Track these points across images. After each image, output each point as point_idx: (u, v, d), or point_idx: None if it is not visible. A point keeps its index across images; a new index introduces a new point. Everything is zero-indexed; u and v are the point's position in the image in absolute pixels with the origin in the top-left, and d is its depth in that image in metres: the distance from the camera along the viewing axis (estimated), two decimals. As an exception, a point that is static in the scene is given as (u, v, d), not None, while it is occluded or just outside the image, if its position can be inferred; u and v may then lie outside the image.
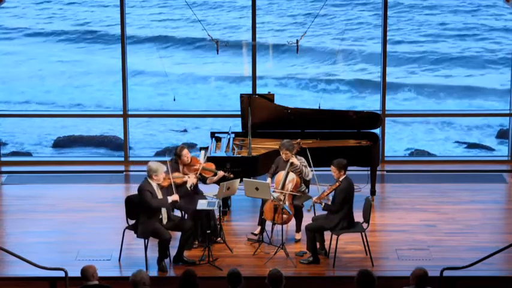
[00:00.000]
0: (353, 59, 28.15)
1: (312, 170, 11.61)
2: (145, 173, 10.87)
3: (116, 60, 26.37)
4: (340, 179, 10.93)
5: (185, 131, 23.23)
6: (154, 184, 10.78)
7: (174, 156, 11.76)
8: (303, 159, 11.78)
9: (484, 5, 32.38)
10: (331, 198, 10.97)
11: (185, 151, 11.64)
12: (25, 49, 30.36)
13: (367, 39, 29.14)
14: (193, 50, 29.75)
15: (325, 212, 11.10)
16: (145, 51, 28.41)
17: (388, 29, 15.03)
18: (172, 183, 11.00)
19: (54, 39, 31.30)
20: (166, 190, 10.96)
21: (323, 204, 10.93)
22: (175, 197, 10.88)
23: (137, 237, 10.82)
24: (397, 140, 22.02)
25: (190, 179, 11.41)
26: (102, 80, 26.89)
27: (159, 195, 10.79)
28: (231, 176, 11.79)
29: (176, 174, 11.41)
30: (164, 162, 11.05)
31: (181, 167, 11.68)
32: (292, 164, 11.55)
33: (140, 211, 10.77)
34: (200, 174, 11.62)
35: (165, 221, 10.85)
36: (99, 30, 31.50)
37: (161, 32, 30.62)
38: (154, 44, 29.04)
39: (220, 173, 11.78)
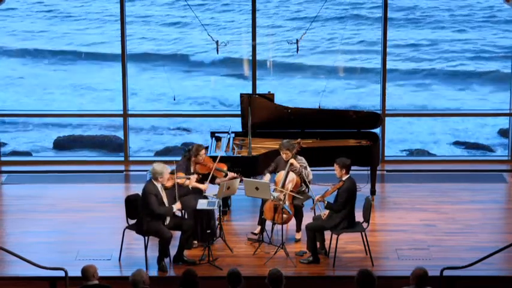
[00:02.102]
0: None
1: None
2: (145, 173, 10.89)
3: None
4: (344, 179, 10.94)
5: (185, 130, 23.23)
6: (159, 185, 10.78)
7: (187, 153, 11.77)
8: (303, 160, 11.78)
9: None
10: (326, 201, 10.99)
11: (203, 151, 11.68)
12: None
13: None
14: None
15: (325, 212, 11.10)
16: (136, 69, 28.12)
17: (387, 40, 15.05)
18: (176, 184, 11.01)
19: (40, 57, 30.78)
20: (170, 191, 10.97)
21: (326, 202, 10.93)
22: (178, 205, 10.89)
23: (142, 234, 10.81)
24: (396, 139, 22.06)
25: (192, 180, 11.41)
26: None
27: (164, 197, 10.81)
28: (241, 177, 11.79)
29: (179, 174, 11.41)
30: (171, 162, 11.07)
31: (193, 165, 11.69)
32: (291, 165, 11.54)
33: (144, 211, 10.75)
34: (212, 174, 11.63)
35: (167, 221, 10.86)
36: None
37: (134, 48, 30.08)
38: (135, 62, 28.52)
39: (231, 174, 11.76)
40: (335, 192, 11.00)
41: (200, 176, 11.67)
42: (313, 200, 11.40)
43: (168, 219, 10.85)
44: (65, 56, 29.82)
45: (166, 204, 10.83)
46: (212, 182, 11.84)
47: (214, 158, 12.07)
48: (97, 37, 31.14)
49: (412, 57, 29.01)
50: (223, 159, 12.20)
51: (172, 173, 11.05)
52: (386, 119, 15.19)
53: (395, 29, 30.12)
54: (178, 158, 12.03)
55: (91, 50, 30.07)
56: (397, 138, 22.01)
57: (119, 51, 15.20)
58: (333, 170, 11.09)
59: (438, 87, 26.65)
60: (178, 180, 11.24)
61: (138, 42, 30.49)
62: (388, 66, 15.08)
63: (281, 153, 11.71)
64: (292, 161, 11.54)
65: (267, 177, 11.73)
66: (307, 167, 11.73)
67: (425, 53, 29.37)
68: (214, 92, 26.53)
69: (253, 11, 15.00)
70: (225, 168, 11.90)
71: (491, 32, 31.18)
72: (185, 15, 32.17)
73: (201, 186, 11.54)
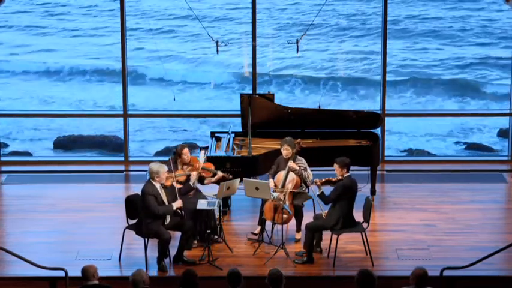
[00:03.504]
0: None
1: None
2: (145, 173, 10.87)
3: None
4: (344, 176, 10.94)
5: (185, 130, 23.25)
6: (157, 185, 10.77)
7: (173, 155, 11.77)
8: (303, 160, 11.77)
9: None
10: (321, 189, 11.01)
11: (185, 150, 11.64)
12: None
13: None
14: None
15: (325, 211, 11.10)
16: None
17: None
18: (175, 182, 11.00)
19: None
20: (170, 190, 10.97)
21: (320, 190, 10.93)
22: (179, 203, 10.87)
23: (142, 236, 10.81)
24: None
25: (194, 176, 11.42)
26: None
27: (164, 196, 10.80)
28: (230, 176, 11.79)
29: (179, 172, 11.42)
30: (164, 162, 11.07)
31: (180, 166, 11.69)
32: (291, 168, 11.51)
33: (144, 213, 10.75)
34: (199, 174, 11.63)
35: (168, 221, 10.85)
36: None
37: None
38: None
39: (220, 174, 11.78)
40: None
41: (201, 173, 11.66)
42: (313, 199, 11.41)
43: (168, 218, 10.85)
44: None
45: (167, 204, 10.83)
46: (201, 182, 11.83)
47: (214, 159, 12.08)
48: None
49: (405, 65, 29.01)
50: (223, 160, 12.21)
51: (170, 171, 11.05)
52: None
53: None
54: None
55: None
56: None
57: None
58: (333, 170, 11.08)
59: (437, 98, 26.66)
60: (178, 178, 11.24)
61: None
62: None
63: (282, 149, 11.70)
64: (292, 164, 11.51)
65: (272, 182, 11.68)
66: (307, 168, 11.71)
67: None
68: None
69: (253, 11, 15.00)
70: (212, 167, 11.88)
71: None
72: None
73: (177, 204, 10.89)
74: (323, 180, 11.02)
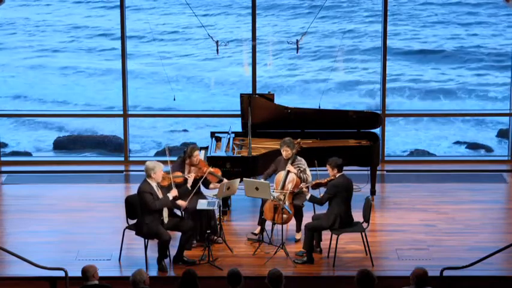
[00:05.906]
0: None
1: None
2: (145, 173, 10.86)
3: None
4: (336, 176, 10.95)
5: (185, 130, 23.25)
6: (154, 184, 10.77)
7: (182, 154, 11.75)
8: (303, 161, 11.76)
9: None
10: (309, 193, 11.00)
11: (196, 152, 11.63)
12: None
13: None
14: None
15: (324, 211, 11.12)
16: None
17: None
18: (172, 183, 11.00)
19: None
20: (166, 189, 10.96)
21: (309, 195, 10.95)
22: (174, 192, 10.86)
23: (142, 236, 10.80)
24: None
25: (191, 178, 11.40)
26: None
27: (160, 195, 10.79)
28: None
29: (176, 173, 11.40)
30: (167, 162, 11.07)
31: (187, 167, 11.66)
32: (290, 172, 11.51)
33: (143, 212, 10.76)
34: (205, 178, 11.59)
35: (166, 220, 10.85)
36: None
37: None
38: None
39: (225, 181, 11.69)
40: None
41: (198, 176, 11.64)
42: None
43: (166, 217, 10.83)
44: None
45: (162, 203, 10.83)
46: (206, 186, 11.80)
47: (214, 159, 12.08)
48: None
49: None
50: (223, 160, 12.20)
51: (167, 172, 11.05)
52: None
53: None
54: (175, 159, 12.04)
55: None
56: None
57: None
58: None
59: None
60: (175, 179, 11.22)
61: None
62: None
63: (281, 150, 11.71)
64: (290, 168, 11.51)
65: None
66: (306, 169, 11.70)
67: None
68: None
69: (253, 11, 15.00)
70: (219, 173, 11.83)
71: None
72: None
73: (172, 193, 11.00)
74: (313, 183, 11.05)
